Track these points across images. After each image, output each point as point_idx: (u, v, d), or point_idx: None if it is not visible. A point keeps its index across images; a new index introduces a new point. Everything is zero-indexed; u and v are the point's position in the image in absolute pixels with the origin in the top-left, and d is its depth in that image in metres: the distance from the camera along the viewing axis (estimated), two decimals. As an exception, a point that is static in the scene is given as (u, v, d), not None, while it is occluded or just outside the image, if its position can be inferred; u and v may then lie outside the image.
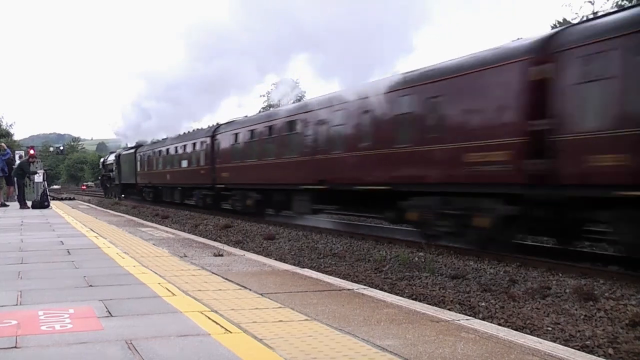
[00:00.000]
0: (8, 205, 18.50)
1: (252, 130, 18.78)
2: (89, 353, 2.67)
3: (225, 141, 21.10)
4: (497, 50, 9.81)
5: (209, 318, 3.37)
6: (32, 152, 21.74)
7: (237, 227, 15.64)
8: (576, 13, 26.76)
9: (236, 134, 20.03)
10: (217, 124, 23.61)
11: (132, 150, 34.35)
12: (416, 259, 9.18)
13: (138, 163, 33.31)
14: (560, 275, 7.84)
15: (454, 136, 10.02)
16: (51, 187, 53.64)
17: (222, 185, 20.88)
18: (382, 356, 2.63)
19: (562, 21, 25.85)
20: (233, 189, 20.20)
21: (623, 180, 7.37)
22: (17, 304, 3.80)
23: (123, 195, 36.12)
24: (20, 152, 26.89)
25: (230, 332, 3.04)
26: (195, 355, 2.64)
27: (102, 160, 47.71)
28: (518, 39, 10.90)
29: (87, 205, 22.50)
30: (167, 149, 28.20)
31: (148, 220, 15.55)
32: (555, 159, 8.31)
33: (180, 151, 26.40)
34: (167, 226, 13.35)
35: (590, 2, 25.47)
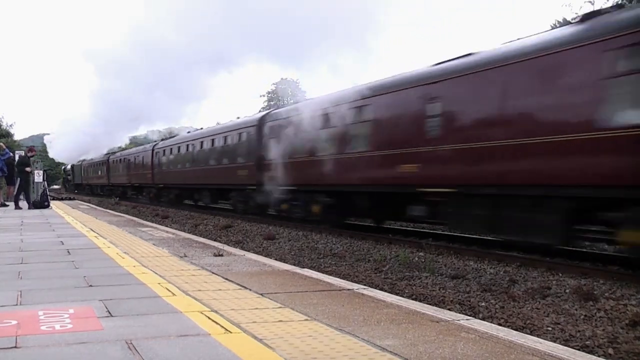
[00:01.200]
0: (8, 205, 18.50)
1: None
2: (89, 353, 2.67)
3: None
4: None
5: (209, 318, 3.37)
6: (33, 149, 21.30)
7: (237, 227, 15.64)
8: (576, 13, 26.76)
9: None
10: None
11: (79, 163, 50.72)
12: (416, 259, 9.18)
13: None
14: (560, 275, 7.84)
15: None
16: (51, 187, 53.96)
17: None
18: (382, 356, 2.63)
19: (562, 21, 25.82)
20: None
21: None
22: (17, 304, 3.80)
23: (76, 191, 52.41)
24: (20, 152, 26.87)
25: (230, 332, 3.04)
26: (195, 355, 2.63)
27: (63, 168, 68.22)
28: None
29: (87, 205, 22.50)
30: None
31: (148, 220, 15.55)
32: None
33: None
34: (167, 226, 13.35)
35: (590, 2, 25.49)
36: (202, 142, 23.61)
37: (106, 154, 44.56)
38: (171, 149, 27.99)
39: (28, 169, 17.69)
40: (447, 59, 11.17)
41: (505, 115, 9.38)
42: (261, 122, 18.25)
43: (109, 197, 36.70)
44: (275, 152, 16.50)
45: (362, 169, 12.83)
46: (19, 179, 17.52)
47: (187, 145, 25.52)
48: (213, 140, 22.37)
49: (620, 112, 7.70)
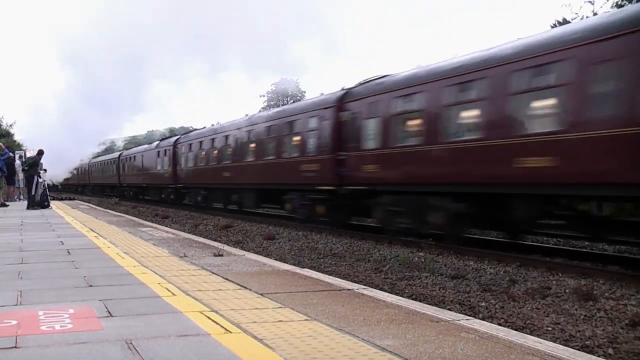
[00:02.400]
0: (8, 205, 18.49)
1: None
2: (89, 353, 2.67)
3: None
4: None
5: (209, 318, 3.37)
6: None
7: (237, 227, 15.63)
8: (576, 13, 26.73)
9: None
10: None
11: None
12: (416, 259, 9.18)
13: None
14: (560, 275, 7.84)
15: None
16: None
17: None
18: (382, 356, 2.63)
19: (562, 21, 25.83)
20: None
21: None
22: (17, 304, 3.80)
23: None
24: (20, 152, 26.85)
25: (230, 332, 3.04)
26: (195, 355, 2.63)
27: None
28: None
29: (87, 206, 22.49)
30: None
31: (148, 220, 15.55)
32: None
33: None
34: (167, 226, 13.35)
35: (590, 2, 25.47)
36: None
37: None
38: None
39: (41, 171, 17.71)
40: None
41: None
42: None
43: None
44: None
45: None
46: (35, 178, 17.25)
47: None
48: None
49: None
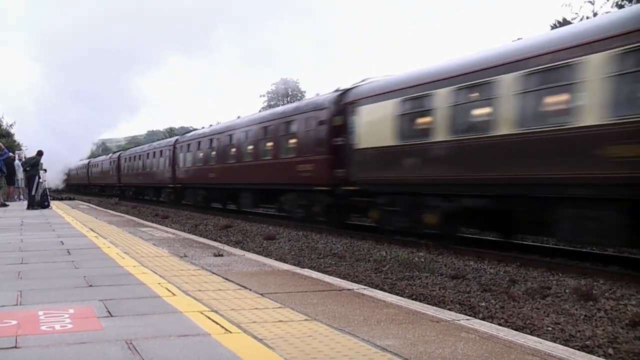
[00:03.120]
0: (8, 205, 18.49)
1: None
2: (89, 353, 2.67)
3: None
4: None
5: (209, 318, 3.37)
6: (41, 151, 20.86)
7: (237, 227, 15.63)
8: (576, 13, 26.77)
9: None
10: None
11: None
12: (416, 259, 9.18)
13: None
14: (560, 275, 7.84)
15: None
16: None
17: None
18: (382, 356, 2.63)
19: (562, 21, 25.82)
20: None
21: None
22: (17, 304, 3.80)
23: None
24: (20, 152, 26.86)
25: (230, 332, 3.04)
26: (195, 355, 2.63)
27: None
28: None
29: (87, 206, 22.49)
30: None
31: (148, 220, 15.55)
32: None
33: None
34: (167, 226, 13.35)
35: (590, 2, 25.49)
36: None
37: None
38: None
39: (41, 171, 17.73)
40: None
41: None
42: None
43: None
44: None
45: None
46: (36, 178, 17.26)
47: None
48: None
49: None
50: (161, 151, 29.48)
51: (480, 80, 9.69)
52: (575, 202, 8.22)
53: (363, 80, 13.90)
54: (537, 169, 8.58)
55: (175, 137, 29.52)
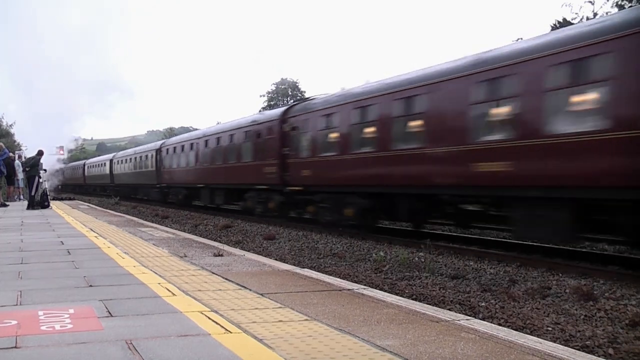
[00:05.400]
0: (8, 205, 18.48)
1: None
2: (89, 353, 2.67)
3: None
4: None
5: (209, 318, 3.37)
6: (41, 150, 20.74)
7: (237, 227, 15.63)
8: (576, 13, 26.74)
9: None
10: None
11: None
12: (416, 259, 9.17)
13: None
14: (560, 275, 7.84)
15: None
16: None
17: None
18: (382, 356, 2.63)
19: (562, 21, 25.81)
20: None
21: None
22: (17, 304, 3.80)
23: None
24: (20, 152, 26.85)
25: (230, 332, 3.04)
26: (195, 355, 2.63)
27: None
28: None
29: (87, 206, 22.48)
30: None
31: (148, 220, 15.55)
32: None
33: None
34: (167, 226, 13.35)
35: (590, 2, 25.48)
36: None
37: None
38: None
39: (41, 171, 17.74)
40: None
41: None
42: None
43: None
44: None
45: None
46: (36, 179, 17.23)
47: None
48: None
49: None
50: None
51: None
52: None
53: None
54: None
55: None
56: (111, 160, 41.49)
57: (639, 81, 7.38)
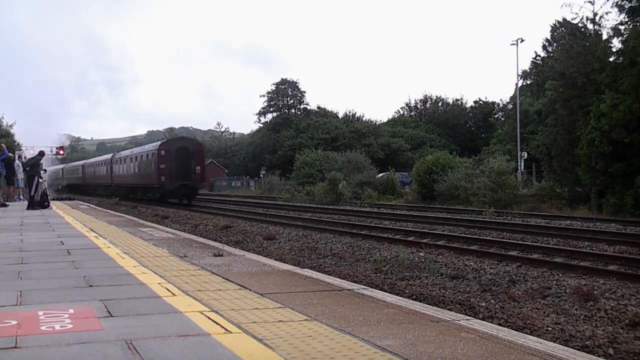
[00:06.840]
0: (8, 205, 18.49)
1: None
2: (89, 353, 2.66)
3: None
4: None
5: (209, 318, 3.36)
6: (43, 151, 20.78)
7: (237, 227, 15.64)
8: (576, 13, 26.77)
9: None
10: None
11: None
12: (416, 259, 9.18)
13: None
14: (560, 275, 7.84)
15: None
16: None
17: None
18: (382, 356, 2.63)
19: (561, 21, 25.80)
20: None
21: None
22: (17, 304, 3.80)
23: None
24: (20, 152, 26.86)
25: (230, 332, 3.04)
26: (195, 355, 2.63)
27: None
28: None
29: (87, 206, 22.49)
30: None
31: (148, 221, 15.56)
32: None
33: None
34: (167, 226, 13.35)
35: (590, 2, 25.47)
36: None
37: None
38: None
39: (42, 171, 17.75)
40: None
41: None
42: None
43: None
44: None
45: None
46: (36, 179, 17.21)
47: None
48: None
49: None
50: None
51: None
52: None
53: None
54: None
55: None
56: (83, 166, 54.55)
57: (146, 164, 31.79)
